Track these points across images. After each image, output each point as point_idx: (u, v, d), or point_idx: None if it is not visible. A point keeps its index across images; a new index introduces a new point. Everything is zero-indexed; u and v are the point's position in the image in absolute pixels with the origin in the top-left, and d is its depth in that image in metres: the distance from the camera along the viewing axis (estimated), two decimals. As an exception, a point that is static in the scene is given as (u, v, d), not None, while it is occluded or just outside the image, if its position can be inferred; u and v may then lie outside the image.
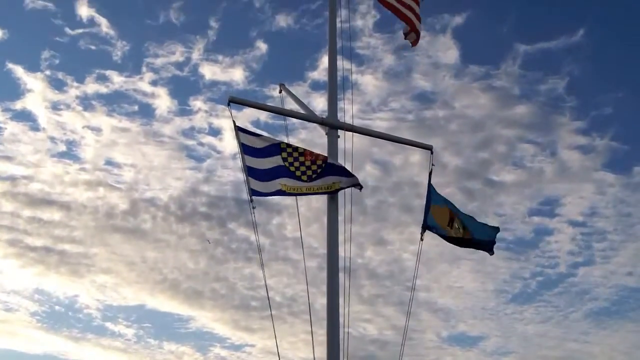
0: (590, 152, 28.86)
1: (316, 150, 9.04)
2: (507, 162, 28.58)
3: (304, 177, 8.81)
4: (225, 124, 28.87)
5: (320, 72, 25.54)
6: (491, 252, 9.79)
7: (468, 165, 27.29)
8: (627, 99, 29.60)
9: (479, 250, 9.84)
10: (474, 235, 9.59)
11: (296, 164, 8.84)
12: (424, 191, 9.57)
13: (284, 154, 8.82)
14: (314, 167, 8.86)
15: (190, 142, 29.16)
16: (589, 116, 29.50)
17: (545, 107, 28.85)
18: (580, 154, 28.84)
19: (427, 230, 9.28)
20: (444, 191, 9.77)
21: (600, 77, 31.17)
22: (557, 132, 29.32)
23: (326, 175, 8.89)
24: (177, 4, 28.93)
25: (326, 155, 9.14)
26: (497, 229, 9.79)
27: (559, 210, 28.97)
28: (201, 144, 29.13)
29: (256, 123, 22.73)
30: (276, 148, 8.81)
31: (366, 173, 20.69)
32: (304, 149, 8.90)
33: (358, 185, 8.90)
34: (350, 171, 9.01)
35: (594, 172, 28.83)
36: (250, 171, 8.50)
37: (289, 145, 8.90)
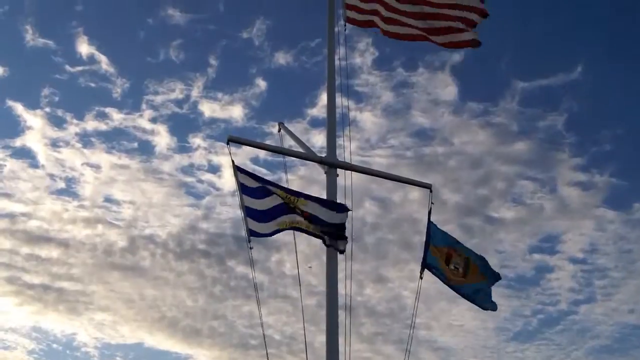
0: (590, 188, 28.86)
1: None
2: (506, 198, 28.55)
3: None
4: (224, 161, 28.94)
5: (319, 109, 25.73)
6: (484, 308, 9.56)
7: (467, 201, 27.28)
8: (626, 135, 29.68)
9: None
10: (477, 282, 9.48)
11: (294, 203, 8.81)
12: (423, 228, 9.52)
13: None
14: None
15: (189, 179, 29.19)
16: (589, 152, 29.63)
17: (544, 144, 28.94)
18: (580, 191, 28.82)
19: (426, 269, 9.21)
20: (444, 228, 9.71)
21: (600, 114, 31.24)
22: (557, 168, 29.35)
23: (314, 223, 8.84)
24: (176, 41, 29.28)
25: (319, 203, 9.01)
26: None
27: (560, 247, 28.86)
28: (200, 181, 29.16)
29: (255, 160, 22.81)
30: (271, 193, 8.74)
31: (365, 210, 20.66)
32: (295, 207, 8.78)
33: (340, 250, 8.84)
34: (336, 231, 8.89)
35: (594, 208, 28.80)
36: (248, 211, 8.47)
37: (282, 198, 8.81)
